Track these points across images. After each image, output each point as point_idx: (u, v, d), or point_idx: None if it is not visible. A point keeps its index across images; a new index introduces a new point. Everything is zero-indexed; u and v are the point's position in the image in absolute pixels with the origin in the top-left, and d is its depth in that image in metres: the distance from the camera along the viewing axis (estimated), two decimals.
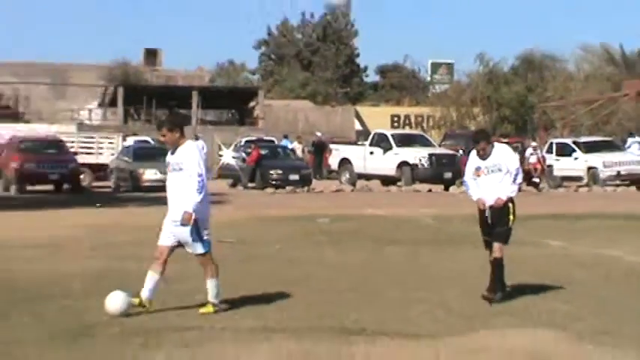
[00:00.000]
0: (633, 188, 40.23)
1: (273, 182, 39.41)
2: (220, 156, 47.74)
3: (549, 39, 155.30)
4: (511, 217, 12.33)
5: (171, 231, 11.22)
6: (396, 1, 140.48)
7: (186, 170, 11.04)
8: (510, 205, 12.35)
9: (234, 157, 45.20)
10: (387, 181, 42.13)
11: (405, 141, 44.06)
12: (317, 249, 18.10)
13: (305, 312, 11.36)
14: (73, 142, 43.02)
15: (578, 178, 41.84)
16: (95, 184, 40.35)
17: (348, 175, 44.06)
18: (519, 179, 12.54)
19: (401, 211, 26.89)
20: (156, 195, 33.84)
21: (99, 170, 41.76)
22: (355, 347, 9.36)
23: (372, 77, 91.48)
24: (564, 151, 43.66)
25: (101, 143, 46.07)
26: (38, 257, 16.01)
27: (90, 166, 41.45)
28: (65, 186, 37.01)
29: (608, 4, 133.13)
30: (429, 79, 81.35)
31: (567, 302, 12.12)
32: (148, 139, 48.17)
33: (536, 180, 40.84)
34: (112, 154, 43.25)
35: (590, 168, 41.90)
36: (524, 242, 19.07)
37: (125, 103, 60.41)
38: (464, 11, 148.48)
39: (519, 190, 12.71)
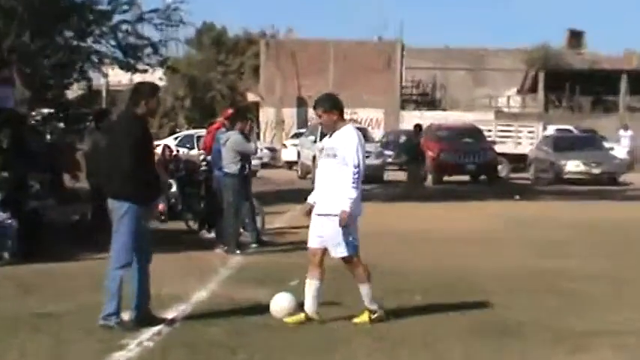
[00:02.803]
0: None
1: None
2: None
3: None
4: None
5: (318, 228, 10.41)
6: None
7: (339, 157, 10.23)
8: None
9: None
10: None
11: None
12: None
13: None
14: (490, 130, 43.52)
15: None
16: (513, 175, 40.63)
17: None
18: None
19: None
20: (579, 189, 33.81)
21: (517, 161, 41.91)
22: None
23: None
24: None
25: (520, 132, 46.37)
26: (463, 251, 16.45)
27: (508, 156, 41.71)
28: (482, 177, 37.50)
29: None
30: None
31: None
32: (571, 127, 47.74)
33: None
34: (532, 144, 43.38)
35: None
36: None
37: (546, 89, 60.25)
38: None
39: None
